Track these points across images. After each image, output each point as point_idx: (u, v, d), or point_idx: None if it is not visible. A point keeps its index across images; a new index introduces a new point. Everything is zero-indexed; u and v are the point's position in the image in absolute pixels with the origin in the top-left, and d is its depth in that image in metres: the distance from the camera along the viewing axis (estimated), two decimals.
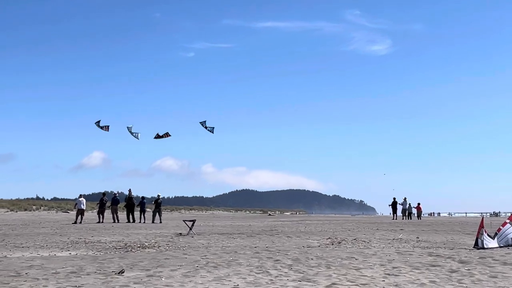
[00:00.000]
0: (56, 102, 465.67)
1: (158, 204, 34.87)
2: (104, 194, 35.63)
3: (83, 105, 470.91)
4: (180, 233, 21.97)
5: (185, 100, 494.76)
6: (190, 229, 21.66)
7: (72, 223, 31.54)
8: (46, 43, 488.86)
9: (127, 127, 35.83)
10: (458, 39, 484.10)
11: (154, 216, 34.26)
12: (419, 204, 49.21)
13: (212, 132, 35.29)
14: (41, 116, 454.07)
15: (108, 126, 36.29)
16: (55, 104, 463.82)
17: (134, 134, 35.73)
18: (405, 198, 45.81)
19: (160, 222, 33.34)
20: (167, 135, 35.90)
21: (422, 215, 50.58)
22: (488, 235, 14.72)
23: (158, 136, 35.94)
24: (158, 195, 35.58)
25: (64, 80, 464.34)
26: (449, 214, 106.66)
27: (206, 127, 35.08)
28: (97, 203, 35.40)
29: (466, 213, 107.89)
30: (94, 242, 17.75)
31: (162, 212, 36.16)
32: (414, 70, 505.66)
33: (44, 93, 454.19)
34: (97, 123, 36.37)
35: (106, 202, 34.94)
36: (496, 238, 14.84)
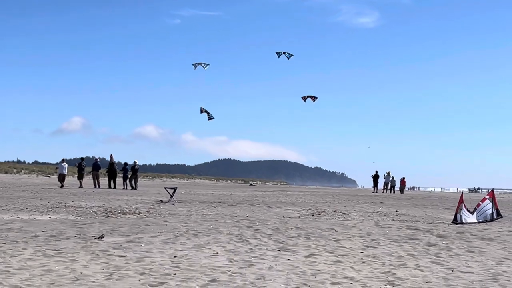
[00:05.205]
0: (37, 66, 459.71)
1: (135, 170, 35.07)
2: (82, 159, 35.32)
3: (64, 70, 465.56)
4: (161, 200, 21.98)
5: (169, 68, 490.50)
6: (171, 196, 21.66)
7: (60, 187, 31.57)
8: (29, 7, 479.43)
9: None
10: (446, 13, 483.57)
11: (130, 182, 34.53)
12: (403, 178, 49.95)
13: (288, 58, 32.43)
14: (21, 79, 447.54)
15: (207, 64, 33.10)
16: (36, 68, 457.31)
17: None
18: (388, 172, 46.27)
19: (134, 188, 33.54)
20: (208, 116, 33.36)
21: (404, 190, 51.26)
22: (467, 210, 14.88)
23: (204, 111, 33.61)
24: (135, 162, 35.63)
25: (46, 44, 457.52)
26: (432, 189, 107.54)
27: (284, 54, 32.34)
28: (75, 165, 35.17)
29: (441, 188, 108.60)
30: (75, 206, 17.70)
31: (138, 179, 36.55)
32: (401, 44, 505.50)
33: (25, 56, 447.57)
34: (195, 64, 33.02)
35: (84, 167, 34.72)
36: (475, 214, 15.03)
